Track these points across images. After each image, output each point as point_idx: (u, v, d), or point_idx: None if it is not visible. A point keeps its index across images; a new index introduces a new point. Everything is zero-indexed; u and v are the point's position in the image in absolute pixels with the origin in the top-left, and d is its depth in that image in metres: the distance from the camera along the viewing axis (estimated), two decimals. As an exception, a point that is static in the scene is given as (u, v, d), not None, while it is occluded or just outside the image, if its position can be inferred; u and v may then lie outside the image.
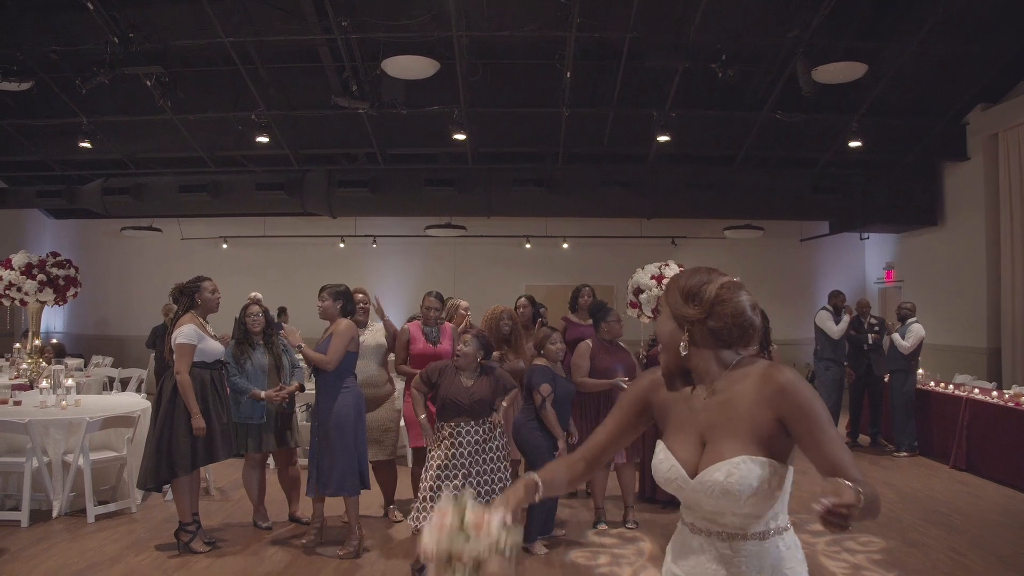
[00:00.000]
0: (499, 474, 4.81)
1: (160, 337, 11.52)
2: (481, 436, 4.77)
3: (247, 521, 5.86)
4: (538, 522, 5.04)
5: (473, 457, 4.74)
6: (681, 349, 1.93)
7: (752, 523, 1.87)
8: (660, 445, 1.97)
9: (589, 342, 5.98)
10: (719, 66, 8.74)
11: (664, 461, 1.93)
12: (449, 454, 4.70)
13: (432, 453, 4.82)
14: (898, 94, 10.15)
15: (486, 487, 4.73)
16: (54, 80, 10.00)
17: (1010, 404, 7.41)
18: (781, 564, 1.89)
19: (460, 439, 4.73)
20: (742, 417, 1.85)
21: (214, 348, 5.20)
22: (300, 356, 5.28)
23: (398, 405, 6.12)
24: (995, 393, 8.02)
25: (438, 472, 4.72)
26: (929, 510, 6.39)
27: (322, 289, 5.33)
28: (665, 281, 8.57)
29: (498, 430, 4.84)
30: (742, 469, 1.80)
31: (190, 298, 5.21)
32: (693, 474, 1.87)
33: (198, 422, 4.94)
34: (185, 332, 5.04)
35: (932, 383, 8.99)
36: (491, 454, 4.80)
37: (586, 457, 2.10)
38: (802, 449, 1.83)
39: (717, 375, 1.93)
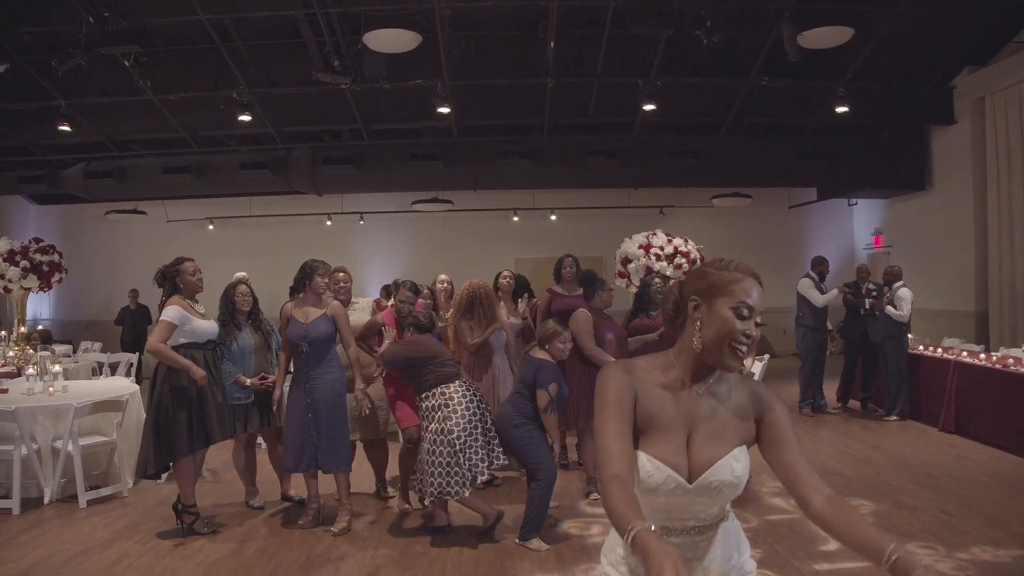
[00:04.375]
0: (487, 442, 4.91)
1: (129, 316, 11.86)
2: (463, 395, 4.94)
3: (239, 501, 5.85)
4: (532, 520, 4.86)
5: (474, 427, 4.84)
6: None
7: (725, 509, 1.90)
8: (642, 456, 1.77)
9: (586, 310, 5.93)
10: (704, 33, 8.64)
11: (655, 473, 1.75)
12: (440, 428, 4.79)
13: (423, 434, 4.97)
14: (884, 58, 10.08)
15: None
16: (30, 62, 9.83)
17: (998, 366, 7.45)
18: (739, 535, 1.96)
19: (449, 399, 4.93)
20: (731, 412, 1.84)
21: (205, 328, 5.14)
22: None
23: None
24: (983, 356, 8.07)
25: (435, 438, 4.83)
26: (919, 473, 6.44)
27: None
28: (655, 251, 8.56)
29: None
30: (743, 461, 1.80)
31: (172, 282, 5.16)
32: (688, 476, 1.77)
33: (196, 373, 4.89)
34: (169, 312, 4.99)
35: (921, 347, 9.03)
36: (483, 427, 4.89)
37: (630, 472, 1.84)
38: (764, 451, 1.85)
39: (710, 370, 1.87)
